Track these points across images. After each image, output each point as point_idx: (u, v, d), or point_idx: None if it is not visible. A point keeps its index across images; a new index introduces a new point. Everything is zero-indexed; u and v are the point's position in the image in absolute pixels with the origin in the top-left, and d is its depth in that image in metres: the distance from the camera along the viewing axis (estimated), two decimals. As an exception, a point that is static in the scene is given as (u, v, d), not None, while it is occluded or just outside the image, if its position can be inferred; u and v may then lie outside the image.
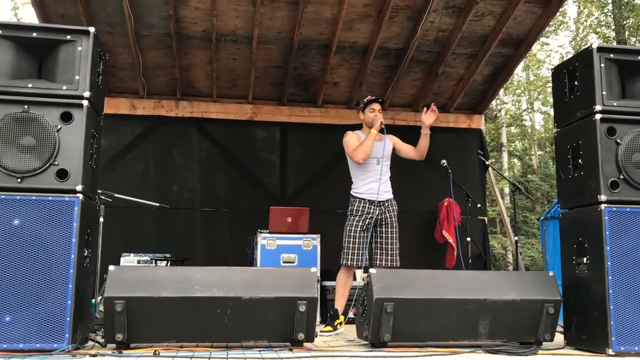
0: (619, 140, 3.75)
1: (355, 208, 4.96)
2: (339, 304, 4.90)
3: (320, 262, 6.01)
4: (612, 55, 3.85)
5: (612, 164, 3.73)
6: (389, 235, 4.92)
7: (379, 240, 4.93)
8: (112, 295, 3.40)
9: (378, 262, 4.88)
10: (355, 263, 4.85)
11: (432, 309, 3.74)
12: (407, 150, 5.18)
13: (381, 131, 5.05)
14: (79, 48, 3.61)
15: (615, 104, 3.80)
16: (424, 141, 5.05)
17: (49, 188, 3.43)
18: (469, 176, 7.85)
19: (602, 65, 3.81)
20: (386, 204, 4.98)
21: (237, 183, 7.70)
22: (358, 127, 5.29)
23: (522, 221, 20.25)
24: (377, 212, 4.92)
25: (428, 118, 4.99)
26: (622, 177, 3.72)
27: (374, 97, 5.17)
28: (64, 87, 3.56)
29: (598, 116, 3.76)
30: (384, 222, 4.93)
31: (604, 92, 3.79)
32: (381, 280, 3.73)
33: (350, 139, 5.06)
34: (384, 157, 5.05)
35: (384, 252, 4.89)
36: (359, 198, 4.98)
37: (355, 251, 4.85)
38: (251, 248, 6.42)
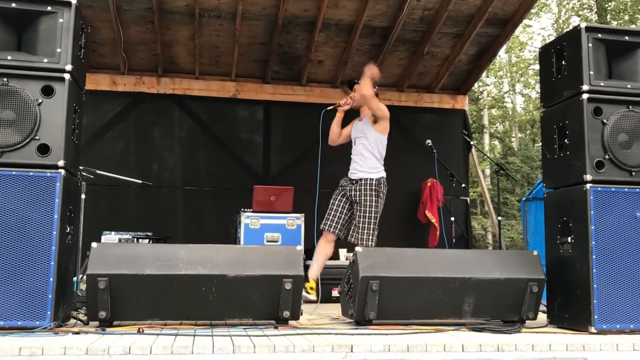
0: (605, 121, 3.75)
1: (342, 180, 5.16)
2: (312, 269, 5.00)
3: (304, 241, 6.01)
4: (599, 35, 3.84)
5: (597, 143, 3.74)
6: (359, 215, 4.91)
7: (353, 216, 4.99)
8: (95, 273, 3.35)
9: (348, 238, 4.99)
10: (325, 227, 5.02)
11: (418, 287, 3.74)
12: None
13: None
14: (60, 20, 3.51)
15: (602, 84, 3.80)
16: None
17: (30, 163, 3.34)
18: (452, 157, 7.87)
19: (590, 45, 3.80)
20: (357, 184, 4.98)
21: (219, 162, 7.65)
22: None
23: (502, 202, 20.40)
24: (350, 188, 5.00)
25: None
26: (607, 157, 3.73)
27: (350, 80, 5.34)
28: (45, 60, 3.46)
29: (585, 96, 3.75)
30: (355, 201, 4.97)
31: (591, 72, 3.78)
32: (367, 259, 3.72)
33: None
34: (358, 137, 5.10)
35: (353, 228, 4.95)
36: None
37: (329, 216, 5.03)
38: (234, 227, 6.39)
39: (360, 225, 4.88)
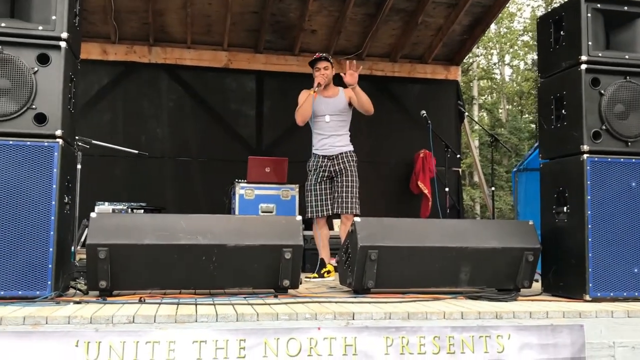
0: (602, 91, 3.76)
1: (311, 164, 5.19)
2: (323, 254, 5.05)
3: (298, 212, 6.03)
4: (598, 5, 3.82)
5: (595, 114, 3.75)
6: (343, 184, 5.04)
7: (335, 189, 5.09)
8: (95, 243, 3.34)
9: (334, 210, 5.06)
10: (317, 214, 5.10)
11: (415, 256, 3.78)
12: (355, 104, 5.15)
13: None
14: (54, -15, 3.43)
15: (600, 54, 3.80)
16: (355, 96, 5.02)
17: (27, 133, 3.29)
18: (445, 127, 7.86)
19: (589, 15, 3.79)
20: (340, 157, 5.10)
21: (211, 132, 7.61)
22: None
23: (489, 173, 20.57)
24: (329, 165, 5.08)
25: (350, 79, 4.93)
26: (604, 127, 3.75)
27: (319, 55, 5.19)
28: (40, 28, 3.39)
29: (583, 66, 3.75)
30: (339, 174, 5.08)
31: (589, 43, 3.78)
32: (365, 229, 3.74)
33: (299, 99, 5.14)
34: (334, 114, 5.12)
35: (337, 200, 5.03)
36: (314, 154, 5.19)
37: (314, 203, 5.11)
38: (229, 198, 6.39)
39: (347, 194, 5.01)
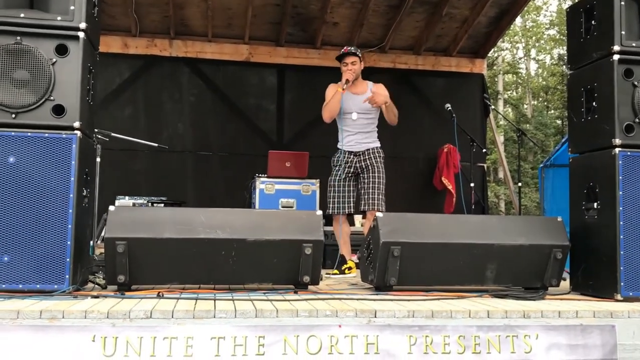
0: (636, 83, 3.62)
1: (336, 159, 5.06)
2: (343, 250, 4.99)
3: (319, 206, 5.95)
4: (633, -7, 3.68)
5: (627, 106, 3.61)
6: (369, 180, 4.91)
7: (360, 186, 4.97)
8: (113, 236, 3.30)
9: (360, 207, 4.94)
10: (337, 211, 4.96)
11: (439, 253, 3.68)
12: (383, 111, 5.04)
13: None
14: (73, -24, 3.39)
15: (634, 44, 3.65)
16: (385, 113, 4.99)
17: (45, 124, 3.26)
18: (470, 122, 7.69)
19: (622, 3, 3.65)
20: (366, 153, 4.98)
21: (232, 126, 7.56)
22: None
23: (514, 170, 20.30)
24: (355, 160, 4.97)
25: (378, 99, 4.86)
26: (637, 120, 3.61)
27: (347, 50, 5.05)
28: (59, 18, 3.35)
29: (616, 57, 3.61)
30: (365, 170, 4.96)
31: (622, 32, 3.64)
32: (388, 224, 3.65)
33: (326, 94, 5.02)
34: (362, 112, 4.99)
35: (363, 197, 4.91)
36: (340, 149, 5.06)
37: (335, 199, 4.97)
38: (249, 192, 6.34)
39: (373, 190, 4.89)
